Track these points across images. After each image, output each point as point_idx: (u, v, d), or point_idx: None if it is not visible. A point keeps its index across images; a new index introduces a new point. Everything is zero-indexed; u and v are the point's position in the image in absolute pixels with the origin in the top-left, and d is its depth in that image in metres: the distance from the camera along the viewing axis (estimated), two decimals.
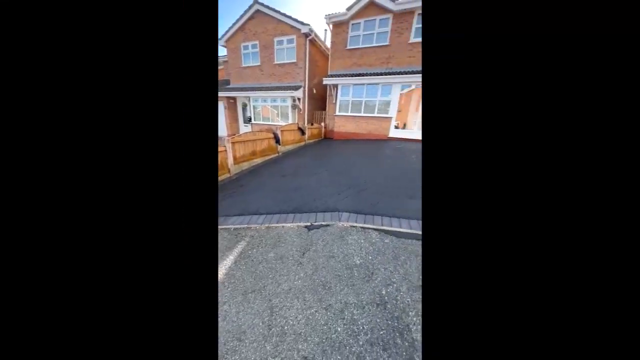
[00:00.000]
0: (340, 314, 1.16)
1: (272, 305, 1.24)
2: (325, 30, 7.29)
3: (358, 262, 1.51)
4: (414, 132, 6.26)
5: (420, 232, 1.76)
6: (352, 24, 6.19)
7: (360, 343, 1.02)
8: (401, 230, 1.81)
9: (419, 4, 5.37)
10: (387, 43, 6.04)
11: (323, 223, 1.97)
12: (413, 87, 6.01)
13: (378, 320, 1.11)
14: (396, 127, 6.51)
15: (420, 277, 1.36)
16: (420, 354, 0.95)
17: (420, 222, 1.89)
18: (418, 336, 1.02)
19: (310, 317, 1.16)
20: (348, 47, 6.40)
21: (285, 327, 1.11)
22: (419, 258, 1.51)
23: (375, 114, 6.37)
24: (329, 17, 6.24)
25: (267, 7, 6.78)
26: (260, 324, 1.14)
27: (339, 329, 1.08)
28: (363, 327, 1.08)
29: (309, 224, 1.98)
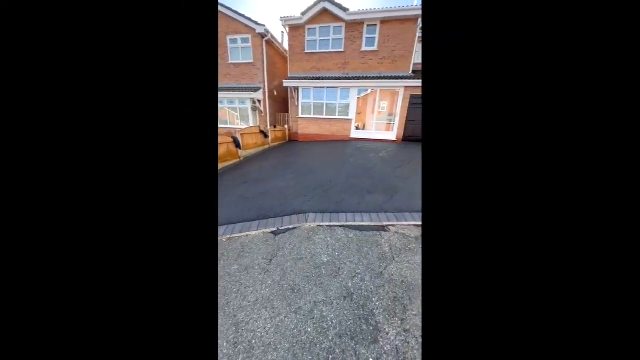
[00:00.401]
0: (310, 314, 1.17)
1: (238, 321, 1.16)
2: (282, 32, 7.25)
3: (325, 260, 1.55)
4: (372, 132, 6.81)
5: (380, 223, 1.93)
6: (309, 29, 6.35)
7: (330, 338, 1.05)
8: (363, 223, 1.94)
9: (367, 16, 5.89)
10: (342, 50, 6.40)
11: (290, 226, 1.95)
12: (369, 91, 6.54)
13: (346, 312, 1.17)
14: (357, 128, 6.96)
15: (380, 264, 1.48)
16: (383, 335, 1.04)
17: (380, 214, 2.07)
18: (381, 319, 1.12)
19: (279, 324, 1.13)
20: (306, 51, 6.52)
21: (253, 341, 1.05)
22: (380, 247, 1.65)
23: (337, 116, 6.67)
24: (284, 20, 6.25)
25: (219, 4, 6.35)
26: (225, 344, 1.06)
27: (309, 329, 1.09)
28: (332, 322, 1.12)
29: (275, 229, 1.93)
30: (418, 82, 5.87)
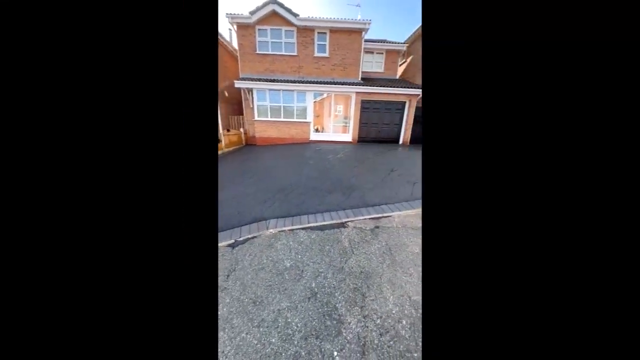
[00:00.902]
0: (274, 323, 1.14)
1: None
2: (230, 29, 6.79)
3: (289, 264, 1.53)
4: (330, 134, 7.12)
5: (339, 220, 2.03)
6: (259, 29, 6.16)
7: (296, 342, 1.04)
8: (325, 223, 2.01)
9: (317, 23, 6.14)
10: (295, 53, 6.47)
11: (249, 236, 1.84)
12: (325, 95, 6.81)
13: (310, 313, 1.18)
14: (317, 131, 7.14)
15: (341, 259, 1.57)
16: (346, 326, 1.10)
17: (340, 212, 2.19)
18: (343, 310, 1.18)
19: (240, 342, 1.05)
20: (258, 52, 6.31)
21: None
22: (340, 243, 1.74)
23: (295, 119, 6.68)
24: (231, 17, 5.88)
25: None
26: None
27: (273, 340, 1.06)
28: (297, 326, 1.12)
29: (232, 241, 1.79)
30: (367, 89, 6.47)
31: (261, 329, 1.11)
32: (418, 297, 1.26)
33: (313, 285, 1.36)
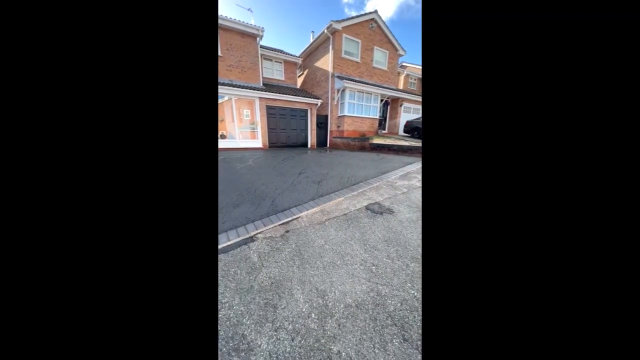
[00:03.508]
0: None
1: None
2: None
3: None
4: (238, 141, 6.53)
5: (247, 235, 1.87)
6: None
7: None
8: (229, 243, 1.77)
9: None
10: None
11: None
12: (225, 98, 6.10)
13: None
14: (222, 137, 6.25)
15: (250, 277, 1.45)
16: (256, 351, 1.01)
17: (248, 225, 2.02)
18: (253, 335, 1.08)
19: None
20: None
21: None
22: (248, 260, 1.60)
23: None
24: None
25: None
26: None
27: None
28: None
29: None
30: (271, 95, 6.52)
31: None
32: (324, 286, 1.40)
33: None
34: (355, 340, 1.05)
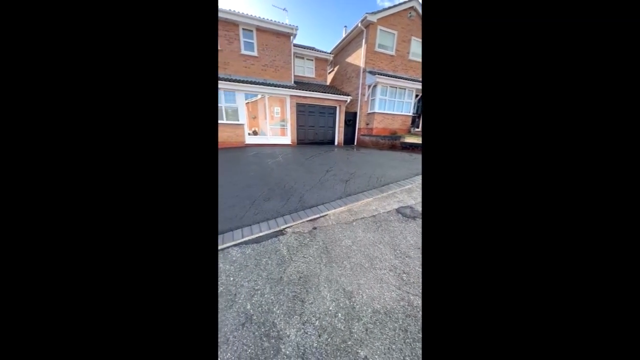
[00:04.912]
0: None
1: None
2: None
3: (219, 290, 1.33)
4: (269, 137, 6.86)
5: (277, 228, 1.96)
6: None
7: None
8: (261, 234, 1.89)
9: (241, 19, 5.73)
10: (219, 48, 5.78)
11: None
12: (258, 96, 6.46)
13: (245, 340, 1.06)
14: (255, 134, 6.67)
15: (280, 269, 1.52)
16: (285, 340, 1.06)
17: (278, 219, 2.11)
18: (282, 325, 1.13)
19: None
20: None
21: None
22: (278, 252, 1.68)
23: (226, 121, 6.00)
24: None
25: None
26: None
27: None
28: None
29: None
30: (302, 92, 6.65)
31: None
32: (351, 287, 1.38)
33: (248, 307, 1.23)
34: (384, 349, 1.01)
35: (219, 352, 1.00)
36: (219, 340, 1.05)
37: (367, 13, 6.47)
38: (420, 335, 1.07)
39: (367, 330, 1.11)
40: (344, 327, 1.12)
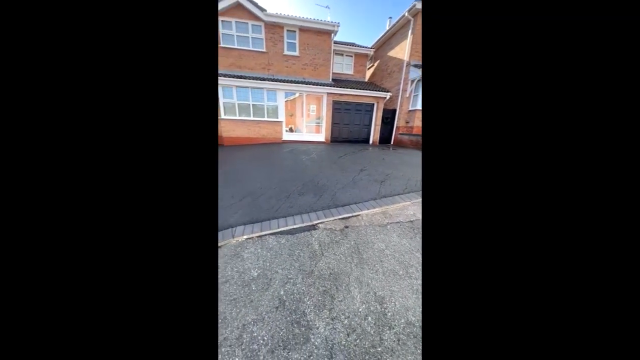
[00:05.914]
0: (238, 340, 1.06)
1: None
2: None
3: (256, 274, 1.46)
4: (304, 134, 7.08)
5: (310, 223, 2.02)
6: (223, 21, 5.73)
7: (262, 358, 0.99)
8: (295, 226, 1.97)
9: (286, 20, 6.00)
10: (264, 50, 6.22)
11: None
12: (297, 94, 6.72)
13: (278, 323, 1.14)
14: (291, 130, 7.00)
15: (311, 262, 1.56)
16: (314, 331, 1.10)
17: (311, 214, 2.18)
18: (312, 316, 1.17)
19: None
20: (222, 45, 5.87)
21: None
22: (310, 246, 1.73)
23: (266, 118, 6.44)
24: None
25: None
26: None
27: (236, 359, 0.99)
28: (263, 340, 1.06)
29: None
30: (338, 90, 6.61)
31: (223, 349, 1.02)
32: (383, 293, 1.32)
33: (282, 293, 1.32)
34: None
35: (254, 328, 1.11)
36: (253, 318, 1.16)
37: (415, 0, 5.94)
38: None
39: (399, 340, 1.05)
40: (374, 332, 1.09)
